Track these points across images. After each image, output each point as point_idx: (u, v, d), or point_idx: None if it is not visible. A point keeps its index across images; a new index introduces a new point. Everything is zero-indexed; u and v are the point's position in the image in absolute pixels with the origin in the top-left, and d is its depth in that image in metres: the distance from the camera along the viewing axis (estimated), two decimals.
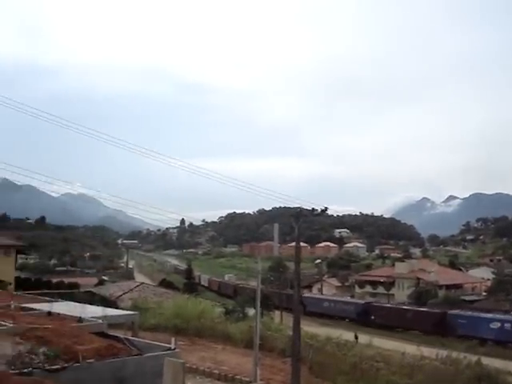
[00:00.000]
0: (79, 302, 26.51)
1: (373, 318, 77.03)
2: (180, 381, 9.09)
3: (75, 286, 60.77)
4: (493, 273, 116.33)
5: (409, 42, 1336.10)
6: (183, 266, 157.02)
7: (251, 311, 34.96)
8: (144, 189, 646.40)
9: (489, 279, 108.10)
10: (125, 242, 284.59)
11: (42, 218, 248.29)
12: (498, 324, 63.14)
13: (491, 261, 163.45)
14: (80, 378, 12.82)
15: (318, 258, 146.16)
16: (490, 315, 67.21)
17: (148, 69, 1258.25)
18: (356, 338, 46.99)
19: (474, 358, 27.48)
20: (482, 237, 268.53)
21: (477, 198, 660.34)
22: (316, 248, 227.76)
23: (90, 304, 27.11)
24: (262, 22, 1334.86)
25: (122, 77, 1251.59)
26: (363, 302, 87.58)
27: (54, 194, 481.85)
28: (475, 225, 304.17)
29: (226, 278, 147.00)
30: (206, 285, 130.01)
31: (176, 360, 9.91)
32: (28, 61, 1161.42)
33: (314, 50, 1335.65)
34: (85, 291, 47.29)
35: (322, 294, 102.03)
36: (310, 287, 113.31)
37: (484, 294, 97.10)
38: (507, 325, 62.24)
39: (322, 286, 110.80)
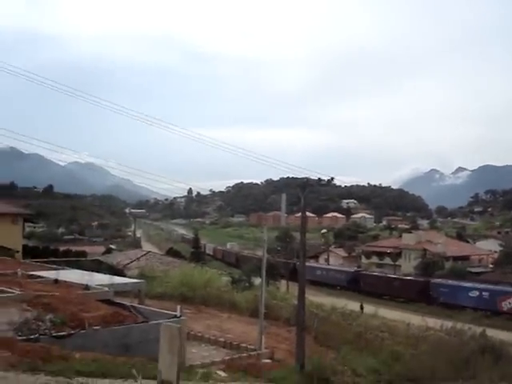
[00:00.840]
0: (86, 270, 26.72)
1: (362, 285, 79.77)
2: (176, 346, 9.09)
3: (82, 254, 61.10)
4: (500, 245, 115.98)
5: (422, 12, 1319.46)
6: (190, 235, 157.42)
7: (257, 280, 35.16)
8: (152, 158, 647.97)
9: (496, 251, 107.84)
10: (132, 211, 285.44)
11: (50, 187, 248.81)
12: (477, 293, 65.23)
13: (499, 233, 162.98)
14: (86, 345, 12.95)
15: (325, 229, 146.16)
16: (469, 284, 69.54)
17: (155, 38, 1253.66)
18: (361, 308, 47.21)
19: (479, 330, 27.53)
20: (490, 209, 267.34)
21: (486, 170, 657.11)
22: (323, 218, 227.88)
23: (97, 272, 27.32)
24: None
25: (129, 46, 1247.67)
26: (353, 270, 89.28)
27: (61, 163, 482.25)
28: (484, 197, 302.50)
29: (228, 246, 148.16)
30: (211, 253, 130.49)
31: (172, 325, 9.91)
32: (35, 29, 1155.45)
33: (324, 19, 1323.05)
34: (92, 259, 47.59)
35: (328, 264, 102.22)
36: (316, 257, 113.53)
37: (491, 266, 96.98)
38: (485, 293, 64.33)
39: (328, 256, 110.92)
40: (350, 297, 63.21)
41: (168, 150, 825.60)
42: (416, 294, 70.90)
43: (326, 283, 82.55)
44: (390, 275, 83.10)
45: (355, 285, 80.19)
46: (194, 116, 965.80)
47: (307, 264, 72.30)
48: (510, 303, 62.03)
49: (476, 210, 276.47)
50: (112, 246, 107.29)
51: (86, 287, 20.02)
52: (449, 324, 29.57)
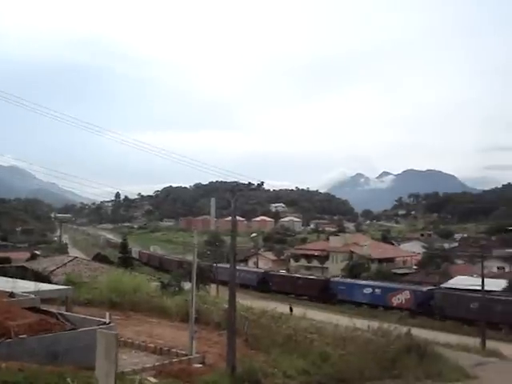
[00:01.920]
0: (11, 277, 25.98)
1: (270, 284, 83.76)
2: (113, 352, 9.04)
3: (7, 260, 59.40)
4: (423, 247, 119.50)
5: (349, 22, 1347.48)
6: (118, 240, 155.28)
7: (187, 285, 35.03)
8: (79, 162, 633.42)
9: (419, 253, 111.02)
10: (58, 215, 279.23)
11: None
12: (370, 290, 70.77)
13: (422, 235, 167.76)
14: (12, 354, 12.63)
15: (255, 233, 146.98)
16: (363, 282, 75.73)
17: (88, 40, 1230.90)
18: (291, 310, 47.72)
19: (405, 329, 28.30)
20: (413, 212, 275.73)
21: (409, 175, 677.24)
22: (252, 222, 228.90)
23: (22, 279, 26.61)
24: None
25: (60, 48, 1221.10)
26: (263, 271, 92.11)
27: None
28: (407, 200, 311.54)
29: (151, 249, 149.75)
30: (137, 257, 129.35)
31: (109, 332, 9.84)
32: None
33: (255, 25, 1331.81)
34: (17, 266, 46.22)
35: (257, 267, 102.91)
36: (245, 261, 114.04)
37: (415, 267, 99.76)
38: (377, 290, 70.03)
39: (257, 259, 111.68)
40: (260, 297, 68.89)
41: (96, 153, 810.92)
42: (318, 292, 75.87)
43: (239, 283, 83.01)
44: (295, 275, 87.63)
45: (264, 285, 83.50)
46: (125, 119, 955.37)
47: (223, 266, 74.18)
48: (398, 298, 67.31)
49: (400, 213, 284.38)
50: (37, 252, 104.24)
51: (11, 294, 19.48)
52: (375, 324, 30.28)
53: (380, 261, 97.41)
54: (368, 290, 70.98)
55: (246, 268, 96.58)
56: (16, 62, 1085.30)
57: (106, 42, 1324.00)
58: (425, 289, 67.87)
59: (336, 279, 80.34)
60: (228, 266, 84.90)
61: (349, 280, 79.16)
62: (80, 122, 29.77)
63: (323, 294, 74.86)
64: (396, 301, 67.26)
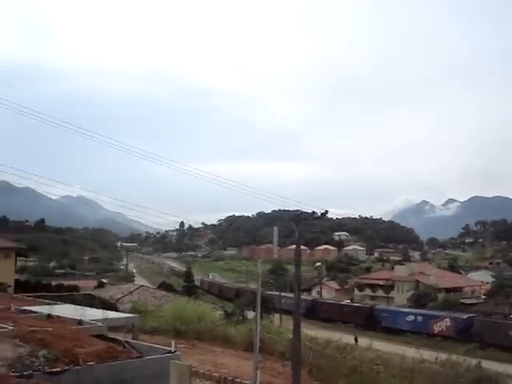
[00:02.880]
0: (79, 305, 26.52)
1: (319, 312, 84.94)
2: (186, 383, 9.11)
3: (75, 288, 60.59)
4: (492, 276, 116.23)
5: (408, 44, 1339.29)
6: (182, 268, 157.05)
7: (250, 314, 34.98)
8: (144, 191, 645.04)
9: (488, 282, 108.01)
10: (124, 244, 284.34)
11: (42, 221, 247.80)
12: (413, 317, 72.97)
13: (490, 264, 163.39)
14: (80, 381, 12.83)
15: (318, 261, 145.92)
16: (406, 310, 78.69)
17: (150, 73, 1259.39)
18: (356, 340, 46.96)
19: (474, 361, 27.46)
20: (481, 240, 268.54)
21: (476, 202, 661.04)
22: (315, 251, 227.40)
23: (90, 307, 27.13)
24: (262, 25, 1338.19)
25: (123, 80, 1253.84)
26: (311, 298, 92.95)
27: (53, 197, 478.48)
28: (474, 228, 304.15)
29: (211, 276, 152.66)
30: (199, 285, 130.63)
31: (182, 363, 9.93)
32: (29, 63, 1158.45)
33: (313, 51, 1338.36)
34: (84, 294, 47.23)
35: (321, 296, 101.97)
36: (309, 290, 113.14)
37: (483, 297, 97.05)
38: (419, 317, 72.22)
39: (321, 288, 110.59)
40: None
41: (160, 183, 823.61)
42: (363, 319, 77.43)
43: (290, 311, 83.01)
44: (341, 303, 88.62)
45: (313, 312, 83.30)
46: (187, 150, 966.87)
47: (274, 293, 74.22)
48: (439, 325, 69.45)
49: (467, 241, 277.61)
50: (104, 280, 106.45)
51: (80, 322, 19.86)
52: (443, 356, 29.48)
53: (447, 290, 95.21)
54: (411, 318, 73.13)
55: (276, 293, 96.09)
56: (80, 94, 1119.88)
57: (169, 74, 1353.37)
58: (465, 316, 69.14)
59: (380, 307, 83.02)
60: (290, 295, 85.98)
61: (392, 307, 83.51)
62: (146, 153, 30.49)
63: (368, 321, 76.72)
64: (437, 328, 69.23)
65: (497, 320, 65.66)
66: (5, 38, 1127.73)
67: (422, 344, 49.72)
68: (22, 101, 30.94)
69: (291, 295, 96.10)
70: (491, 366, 30.91)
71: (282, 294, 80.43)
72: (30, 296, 32.49)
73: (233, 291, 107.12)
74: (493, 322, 64.60)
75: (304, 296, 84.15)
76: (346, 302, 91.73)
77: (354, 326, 75.14)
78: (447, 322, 69.02)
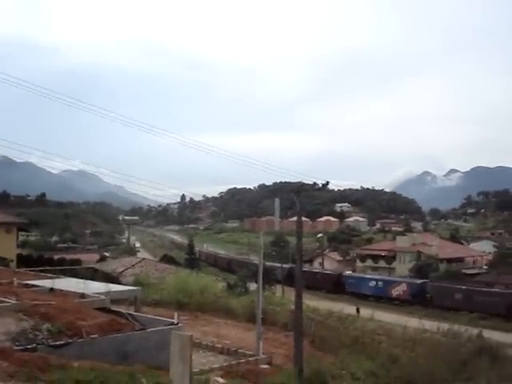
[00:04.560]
0: (81, 279, 26.59)
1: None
2: (187, 354, 9.11)
3: (77, 262, 60.81)
4: (494, 246, 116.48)
5: (413, 15, 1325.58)
6: (184, 241, 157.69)
7: (253, 286, 35.13)
8: (144, 165, 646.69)
9: (490, 252, 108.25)
10: (126, 218, 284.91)
11: (42, 195, 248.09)
12: (374, 283, 78.53)
13: (492, 234, 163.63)
14: (84, 353, 12.88)
15: (320, 233, 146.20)
16: (369, 276, 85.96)
17: (149, 46, 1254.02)
18: (358, 311, 47.26)
19: (476, 331, 27.62)
20: (483, 210, 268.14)
21: (478, 172, 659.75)
22: (317, 222, 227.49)
23: (93, 280, 27.20)
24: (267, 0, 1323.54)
25: (122, 53, 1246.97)
26: (289, 267, 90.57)
27: (53, 171, 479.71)
28: (476, 198, 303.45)
29: (205, 247, 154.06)
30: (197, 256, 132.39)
31: (183, 333, 9.92)
32: (28, 38, 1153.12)
33: (315, 24, 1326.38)
34: (87, 267, 47.31)
35: (323, 268, 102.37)
36: (311, 261, 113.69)
37: (485, 267, 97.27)
38: (380, 283, 77.89)
39: (323, 260, 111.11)
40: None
41: (161, 156, 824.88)
42: (331, 285, 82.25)
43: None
44: (314, 270, 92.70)
45: (291, 278, 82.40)
46: (188, 122, 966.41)
47: (275, 265, 75.45)
48: (397, 290, 74.74)
49: (469, 211, 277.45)
50: (106, 254, 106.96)
51: (82, 295, 19.93)
52: (445, 326, 29.64)
53: (449, 261, 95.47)
54: (373, 283, 78.82)
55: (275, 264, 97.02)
56: (83, 70, 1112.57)
57: (169, 46, 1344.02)
58: (419, 281, 75.19)
59: (347, 273, 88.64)
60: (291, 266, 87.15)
61: (356, 274, 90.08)
62: (146, 125, 30.36)
63: (336, 287, 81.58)
64: (395, 292, 74.86)
65: (445, 284, 70.90)
66: (2, 12, 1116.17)
67: (442, 317, 49.81)
68: (20, 75, 30.74)
69: (272, 264, 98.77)
70: (493, 335, 31.08)
71: (284, 265, 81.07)
72: (32, 270, 32.59)
73: (226, 261, 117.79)
74: (442, 286, 69.85)
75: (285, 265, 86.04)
76: (320, 269, 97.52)
77: (325, 291, 78.93)
78: (404, 286, 74.52)
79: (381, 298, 73.49)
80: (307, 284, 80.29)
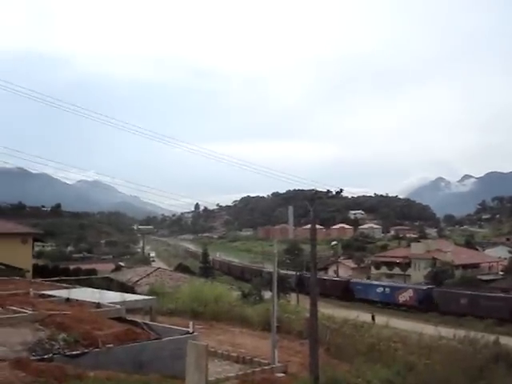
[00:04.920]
0: (97, 288, 26.70)
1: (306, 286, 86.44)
2: (203, 363, 9.15)
3: (92, 272, 61.15)
4: (510, 252, 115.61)
5: (424, 20, 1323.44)
6: (198, 250, 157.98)
7: (267, 294, 35.08)
8: (158, 174, 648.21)
9: (505, 258, 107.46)
10: (140, 227, 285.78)
11: (58, 206, 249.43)
12: (382, 289, 79.84)
13: (508, 240, 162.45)
14: (100, 363, 12.95)
15: (334, 240, 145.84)
16: (376, 282, 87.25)
17: (161, 56, 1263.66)
18: (373, 318, 47.07)
19: (492, 338, 27.42)
20: (498, 216, 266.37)
21: (492, 177, 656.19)
22: (331, 230, 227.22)
23: (108, 290, 27.31)
24: (272, 5, 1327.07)
25: (131, 64, 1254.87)
26: (299, 273, 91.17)
27: (68, 182, 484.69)
28: (491, 204, 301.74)
29: (217, 255, 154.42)
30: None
31: (199, 343, 9.95)
32: (41, 50, 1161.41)
33: (325, 31, 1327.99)
34: (102, 277, 47.57)
35: (337, 275, 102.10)
36: (325, 269, 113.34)
37: (501, 273, 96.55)
38: (387, 289, 79.06)
39: (337, 267, 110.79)
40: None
41: (175, 165, 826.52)
42: (340, 292, 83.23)
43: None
44: (323, 277, 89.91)
45: (302, 286, 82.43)
46: (199, 131, 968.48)
47: (290, 273, 75.38)
48: (404, 296, 75.94)
49: (484, 217, 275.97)
50: (121, 263, 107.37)
51: (98, 305, 20.03)
52: (461, 333, 29.44)
53: (464, 267, 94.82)
54: (380, 290, 79.97)
55: (290, 272, 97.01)
56: (91, 80, 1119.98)
57: (177, 55, 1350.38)
58: (425, 287, 76.89)
59: (355, 280, 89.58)
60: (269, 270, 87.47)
61: (364, 281, 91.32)
62: (160, 135, 30.48)
63: (345, 293, 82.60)
64: (402, 298, 75.92)
65: (451, 290, 72.32)
66: (12, 25, 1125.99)
67: (458, 324, 49.66)
68: (35, 87, 31.03)
69: (307, 275, 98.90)
70: (510, 342, 30.82)
71: (298, 273, 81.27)
72: (48, 280, 32.79)
73: (239, 269, 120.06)
74: (447, 292, 71.43)
75: (292, 272, 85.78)
76: (329, 276, 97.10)
77: (334, 298, 79.04)
78: (410, 292, 75.69)
79: (388, 304, 74.86)
80: (292, 287, 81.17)
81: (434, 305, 70.07)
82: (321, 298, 68.90)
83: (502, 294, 65.98)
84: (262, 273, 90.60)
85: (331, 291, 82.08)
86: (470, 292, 68.51)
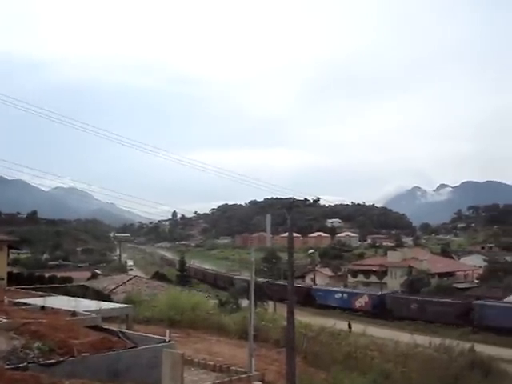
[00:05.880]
0: (73, 296, 26.49)
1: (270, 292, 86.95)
2: (179, 372, 9.12)
3: (68, 280, 60.50)
4: (484, 260, 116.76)
5: (399, 31, 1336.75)
6: (176, 258, 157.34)
7: (244, 302, 35.05)
8: (135, 181, 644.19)
9: (481, 267, 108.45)
10: (117, 235, 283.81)
11: (34, 213, 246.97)
12: (340, 295, 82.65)
13: (483, 248, 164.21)
14: (75, 372, 12.82)
15: (311, 248, 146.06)
16: (335, 289, 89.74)
17: (140, 62, 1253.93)
18: (349, 327, 47.19)
19: (468, 345, 27.65)
20: (473, 224, 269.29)
21: (468, 186, 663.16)
22: (308, 238, 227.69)
23: (84, 298, 27.11)
24: (253, 13, 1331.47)
25: (114, 70, 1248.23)
26: (264, 280, 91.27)
27: (44, 188, 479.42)
28: (466, 213, 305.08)
29: (192, 262, 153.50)
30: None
31: (174, 351, 9.92)
32: (20, 55, 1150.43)
33: (304, 40, 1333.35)
34: (78, 285, 47.15)
35: (314, 283, 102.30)
36: (303, 277, 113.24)
37: (476, 281, 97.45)
38: (345, 295, 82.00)
39: (314, 275, 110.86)
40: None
41: (152, 173, 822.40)
42: (302, 298, 79.42)
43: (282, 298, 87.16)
44: (285, 284, 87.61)
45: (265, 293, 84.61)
46: (178, 138, 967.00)
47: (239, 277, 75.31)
48: (360, 302, 78.66)
49: (459, 226, 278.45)
50: (97, 271, 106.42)
51: (74, 313, 19.86)
52: (437, 340, 29.65)
53: (440, 275, 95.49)
54: (338, 296, 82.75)
55: (246, 278, 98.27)
56: (71, 85, 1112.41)
57: (158, 63, 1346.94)
58: (379, 293, 79.65)
59: (316, 286, 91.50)
60: (240, 277, 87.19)
61: (324, 287, 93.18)
62: (136, 143, 30.38)
63: (306, 299, 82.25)
64: (358, 303, 78.65)
65: (402, 296, 76.69)
66: None
67: (433, 332, 50.34)
68: (11, 92, 30.71)
69: (243, 277, 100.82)
70: (484, 349, 31.12)
71: (276, 282, 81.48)
72: (23, 288, 32.48)
73: (212, 276, 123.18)
74: (399, 298, 75.31)
75: (260, 279, 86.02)
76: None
77: (297, 303, 78.21)
78: (365, 298, 78.60)
79: (346, 309, 76.75)
80: (281, 297, 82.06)
81: (387, 310, 73.17)
82: (283, 304, 70.55)
83: (448, 300, 69.01)
84: (234, 280, 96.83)
85: (279, 295, 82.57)
86: (419, 298, 72.43)
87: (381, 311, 73.17)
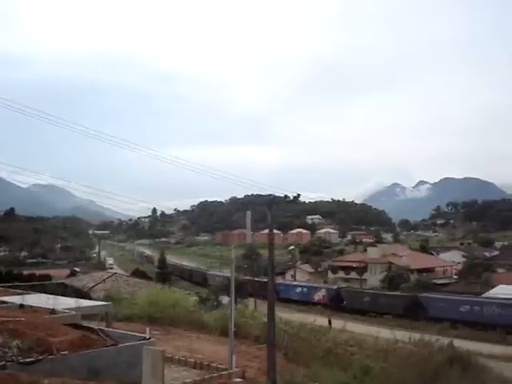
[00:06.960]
0: (51, 294, 26.28)
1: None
2: (159, 369, 9.07)
3: (47, 277, 60.19)
4: (463, 256, 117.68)
5: (381, 29, 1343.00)
6: (155, 255, 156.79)
7: (225, 299, 35.02)
8: (115, 178, 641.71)
9: (459, 262, 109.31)
10: (96, 232, 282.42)
11: (11, 210, 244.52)
12: (300, 289, 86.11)
13: (461, 244, 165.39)
14: (55, 370, 12.71)
15: (291, 245, 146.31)
16: (296, 283, 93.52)
17: (119, 59, 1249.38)
18: (329, 323, 47.31)
19: (447, 341, 27.85)
20: (452, 221, 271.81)
21: (446, 183, 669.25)
22: (288, 235, 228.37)
23: (63, 296, 26.91)
24: (236, 10, 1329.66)
25: (90, 67, 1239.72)
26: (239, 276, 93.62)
27: (22, 185, 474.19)
28: (445, 209, 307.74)
29: (168, 258, 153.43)
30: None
31: (155, 348, 9.86)
32: None
33: (286, 38, 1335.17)
34: (57, 283, 46.89)
35: (295, 280, 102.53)
36: (283, 274, 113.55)
37: (455, 277, 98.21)
38: (305, 289, 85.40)
39: (295, 272, 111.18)
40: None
41: (132, 169, 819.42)
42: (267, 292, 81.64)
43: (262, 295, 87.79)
44: (255, 279, 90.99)
45: (240, 289, 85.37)
46: (158, 135, 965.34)
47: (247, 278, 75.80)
48: (318, 295, 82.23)
49: (438, 222, 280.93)
50: (76, 269, 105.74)
51: (53, 311, 19.69)
52: (417, 336, 29.84)
53: (419, 271, 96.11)
54: (299, 290, 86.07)
55: (222, 274, 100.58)
56: (49, 81, 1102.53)
57: (137, 59, 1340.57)
58: (335, 287, 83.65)
59: (279, 281, 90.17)
60: (213, 272, 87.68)
61: (287, 282, 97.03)
62: (116, 139, 30.20)
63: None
64: (317, 297, 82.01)
65: (356, 289, 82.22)
66: None
67: (413, 327, 50.64)
68: None
69: (215, 273, 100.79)
70: (464, 345, 31.38)
71: (256, 278, 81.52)
72: (1, 286, 32.14)
73: (188, 272, 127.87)
74: (353, 291, 79.82)
75: (225, 274, 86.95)
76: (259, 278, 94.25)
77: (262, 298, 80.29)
78: (323, 292, 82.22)
79: (306, 302, 80.00)
80: (250, 292, 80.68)
81: (342, 303, 76.84)
82: (248, 298, 71.72)
83: (397, 293, 73.63)
84: (206, 275, 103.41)
85: (259, 291, 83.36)
86: (371, 291, 77.87)
87: (336, 304, 76.30)
